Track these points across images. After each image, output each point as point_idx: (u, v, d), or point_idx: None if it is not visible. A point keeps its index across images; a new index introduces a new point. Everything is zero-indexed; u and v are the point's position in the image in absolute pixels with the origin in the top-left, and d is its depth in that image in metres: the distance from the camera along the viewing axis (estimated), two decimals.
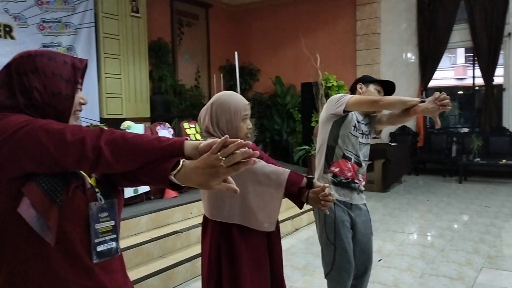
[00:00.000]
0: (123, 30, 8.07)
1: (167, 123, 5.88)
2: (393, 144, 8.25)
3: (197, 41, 10.24)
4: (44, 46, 6.91)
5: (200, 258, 1.94)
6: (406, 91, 9.08)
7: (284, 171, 1.73)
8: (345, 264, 2.38)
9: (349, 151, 2.42)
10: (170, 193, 4.93)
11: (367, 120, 2.54)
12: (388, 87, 2.54)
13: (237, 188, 1.02)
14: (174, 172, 1.02)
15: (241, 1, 10.68)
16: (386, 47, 9.49)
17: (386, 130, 8.63)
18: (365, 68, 9.46)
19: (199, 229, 2.05)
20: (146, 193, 4.77)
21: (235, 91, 7.90)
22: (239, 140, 0.96)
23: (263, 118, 10.37)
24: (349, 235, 2.42)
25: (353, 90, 2.60)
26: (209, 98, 10.23)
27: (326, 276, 2.46)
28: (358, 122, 2.47)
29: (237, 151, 0.95)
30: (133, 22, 8.25)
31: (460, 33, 8.74)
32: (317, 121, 7.68)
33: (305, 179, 1.77)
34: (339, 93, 7.61)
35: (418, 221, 5.66)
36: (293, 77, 10.10)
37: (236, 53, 7.18)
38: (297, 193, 1.75)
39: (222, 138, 0.97)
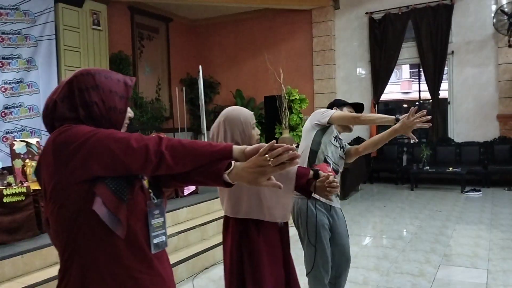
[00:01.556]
0: (84, 42, 8.04)
1: None
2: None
3: (157, 54, 10.31)
4: (3, 58, 6.78)
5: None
6: None
7: (292, 167, 1.95)
8: (324, 264, 2.62)
9: (330, 157, 2.68)
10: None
11: (342, 143, 2.84)
12: (357, 108, 2.91)
13: (280, 184, 1.21)
14: (227, 172, 1.20)
15: (201, 16, 10.88)
16: (341, 63, 10.00)
17: (344, 141, 9.03)
18: (322, 82, 9.93)
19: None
20: None
21: (198, 104, 8.07)
22: (285, 145, 1.16)
23: None
24: (328, 237, 2.66)
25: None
26: (170, 110, 10.32)
27: (307, 274, 2.68)
28: (336, 136, 2.75)
29: (284, 153, 1.15)
30: (94, 34, 8.23)
31: (408, 51, 9.40)
32: (281, 133, 7.97)
33: (311, 171, 2.03)
34: (301, 106, 8.02)
35: (378, 225, 6.04)
36: (253, 90, 10.39)
37: (200, 66, 7.36)
38: (306, 184, 1.99)
39: (270, 142, 1.17)
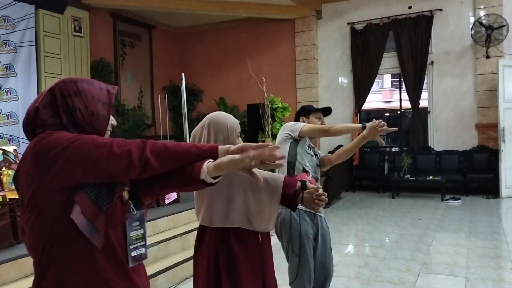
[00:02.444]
0: (65, 49, 7.95)
1: None
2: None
3: (140, 61, 10.25)
4: None
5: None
6: (342, 113, 9.70)
7: (279, 176, 1.93)
8: (308, 273, 2.61)
9: (308, 166, 2.69)
10: None
11: (315, 151, 2.86)
12: (326, 111, 2.95)
13: (261, 178, 1.21)
14: (206, 167, 1.18)
15: (184, 23, 10.88)
16: (323, 72, 10.09)
17: (326, 149, 9.10)
18: (305, 91, 9.99)
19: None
20: None
21: (181, 111, 8.04)
22: (270, 144, 1.16)
23: None
24: (311, 247, 2.66)
25: (297, 120, 2.91)
26: (153, 118, 10.25)
27: (290, 283, 2.67)
28: (309, 144, 2.78)
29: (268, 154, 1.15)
30: (76, 41, 8.15)
31: (389, 61, 9.54)
32: (263, 141, 7.99)
33: (299, 182, 1.96)
34: (284, 115, 8.06)
35: (359, 233, 6.07)
36: (236, 98, 10.40)
37: (183, 74, 7.33)
38: (293, 195, 1.93)
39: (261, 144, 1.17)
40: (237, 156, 1.15)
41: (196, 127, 2.01)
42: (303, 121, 2.83)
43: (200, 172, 1.17)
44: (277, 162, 1.18)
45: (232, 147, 1.21)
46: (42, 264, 1.16)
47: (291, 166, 2.67)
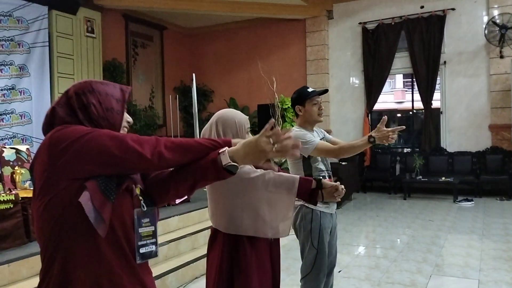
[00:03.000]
0: (78, 50, 8.03)
1: None
2: (343, 163, 8.69)
3: (151, 62, 10.32)
4: None
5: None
6: (353, 114, 9.65)
7: (294, 179, 1.91)
8: (323, 266, 2.63)
9: (323, 171, 2.68)
10: None
11: (322, 134, 2.85)
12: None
13: (275, 168, 1.24)
14: (222, 151, 1.21)
15: (195, 24, 10.91)
16: (334, 72, 10.05)
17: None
18: None
19: None
20: None
21: (192, 112, 8.07)
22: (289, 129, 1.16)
23: None
24: (327, 240, 2.67)
25: (294, 111, 2.81)
26: (164, 118, 10.30)
27: (303, 278, 2.66)
28: (321, 139, 2.75)
29: (288, 140, 1.16)
30: (88, 42, 8.23)
31: (401, 61, 9.46)
32: None
33: (314, 182, 1.96)
34: (294, 115, 8.03)
35: (370, 235, 6.03)
36: (247, 98, 10.40)
37: (194, 74, 7.35)
38: (310, 194, 1.94)
39: (270, 121, 1.17)
40: (252, 138, 1.18)
41: (205, 126, 2.00)
42: (299, 111, 2.72)
43: (219, 159, 1.20)
44: (293, 151, 1.17)
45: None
46: (49, 253, 1.18)
47: None
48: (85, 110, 1.25)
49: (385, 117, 2.49)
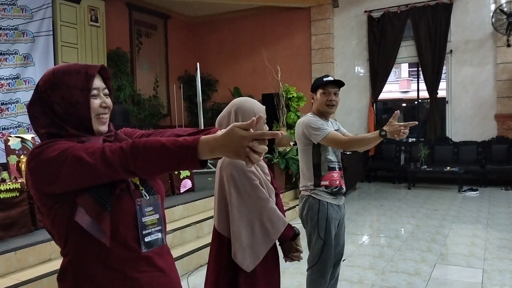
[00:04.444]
0: (82, 39, 8.00)
1: None
2: (348, 153, 8.66)
3: (155, 51, 10.28)
4: (0, 54, 6.75)
5: None
6: (358, 103, 9.60)
7: (283, 224, 1.95)
8: (329, 257, 2.63)
9: (332, 162, 2.65)
10: None
11: (337, 125, 2.81)
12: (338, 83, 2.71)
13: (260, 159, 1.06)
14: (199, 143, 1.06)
15: (199, 13, 10.85)
16: (339, 61, 9.98)
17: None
18: None
19: None
20: None
21: (196, 101, 8.05)
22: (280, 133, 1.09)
23: None
24: (334, 231, 2.67)
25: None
26: (168, 108, 10.29)
27: (310, 268, 2.67)
28: (330, 123, 2.74)
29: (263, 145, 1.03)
30: (92, 31, 8.20)
31: (407, 49, 9.37)
32: (278, 129, 7.96)
33: (294, 233, 2.06)
34: (299, 104, 7.99)
35: (375, 224, 6.03)
36: (251, 87, 10.35)
37: (198, 64, 7.33)
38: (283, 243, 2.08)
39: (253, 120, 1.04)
40: (230, 131, 1.04)
41: (222, 114, 1.96)
42: (312, 98, 2.72)
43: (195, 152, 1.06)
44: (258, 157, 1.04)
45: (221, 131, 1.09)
46: (65, 256, 1.22)
47: (317, 167, 2.63)
48: (51, 109, 1.21)
49: (397, 112, 2.43)
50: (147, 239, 1.23)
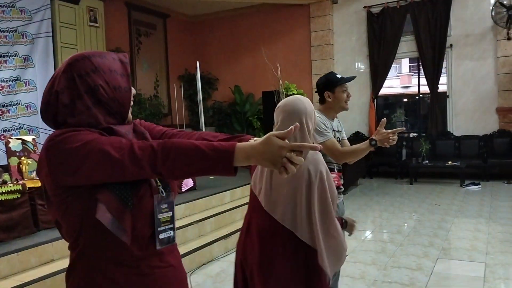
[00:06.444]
0: (81, 39, 8.01)
1: None
2: None
3: (155, 50, 10.27)
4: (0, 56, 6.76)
5: None
6: (359, 99, 9.58)
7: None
8: None
9: (332, 163, 2.62)
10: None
11: (341, 127, 2.80)
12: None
13: (294, 169, 1.05)
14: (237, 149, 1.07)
15: (198, 11, 10.84)
16: (339, 58, 9.96)
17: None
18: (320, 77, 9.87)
19: None
20: None
21: (197, 100, 8.04)
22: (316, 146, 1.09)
23: (223, 126, 10.53)
24: None
25: (321, 97, 2.78)
26: (169, 107, 10.29)
27: None
28: (334, 131, 2.68)
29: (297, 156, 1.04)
30: (91, 31, 8.21)
31: (407, 44, 9.35)
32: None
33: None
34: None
35: (377, 219, 6.03)
36: (251, 86, 10.35)
37: (198, 62, 7.32)
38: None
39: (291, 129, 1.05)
40: (268, 140, 1.05)
41: (277, 111, 1.85)
42: (328, 97, 2.63)
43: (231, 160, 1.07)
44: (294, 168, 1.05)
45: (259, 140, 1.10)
46: (74, 249, 1.19)
47: None
48: (93, 94, 1.16)
49: (384, 119, 2.45)
50: (161, 236, 1.22)
